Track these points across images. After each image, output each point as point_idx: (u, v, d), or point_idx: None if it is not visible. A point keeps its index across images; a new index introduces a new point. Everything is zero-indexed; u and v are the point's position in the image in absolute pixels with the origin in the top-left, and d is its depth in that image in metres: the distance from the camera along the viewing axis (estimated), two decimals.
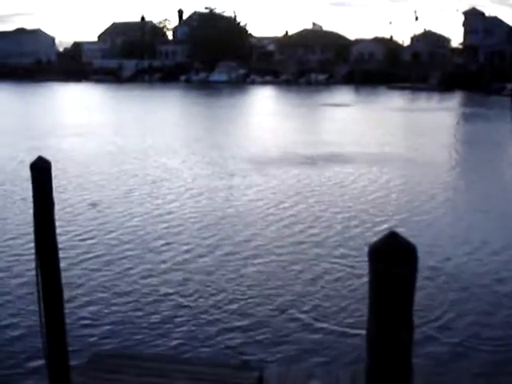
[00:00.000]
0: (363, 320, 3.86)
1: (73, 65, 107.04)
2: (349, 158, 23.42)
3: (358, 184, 18.50)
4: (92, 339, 8.35)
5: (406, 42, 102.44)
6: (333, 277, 10.71)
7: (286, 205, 15.96)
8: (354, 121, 39.03)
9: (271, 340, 8.32)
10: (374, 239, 3.13)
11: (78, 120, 39.61)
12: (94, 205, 15.78)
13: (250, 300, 9.67)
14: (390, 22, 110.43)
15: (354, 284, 10.18)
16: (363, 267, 10.24)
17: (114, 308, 9.40)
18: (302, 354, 7.89)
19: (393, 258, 3.05)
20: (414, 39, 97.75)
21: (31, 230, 6.41)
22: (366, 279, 3.38)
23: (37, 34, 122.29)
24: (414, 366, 3.30)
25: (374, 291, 3.15)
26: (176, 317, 9.07)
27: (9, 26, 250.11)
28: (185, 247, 12.39)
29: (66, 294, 7.11)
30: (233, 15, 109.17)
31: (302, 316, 9.09)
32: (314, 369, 6.89)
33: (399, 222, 14.13)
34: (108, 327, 8.74)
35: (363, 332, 3.42)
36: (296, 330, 8.63)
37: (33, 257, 6.38)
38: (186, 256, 11.85)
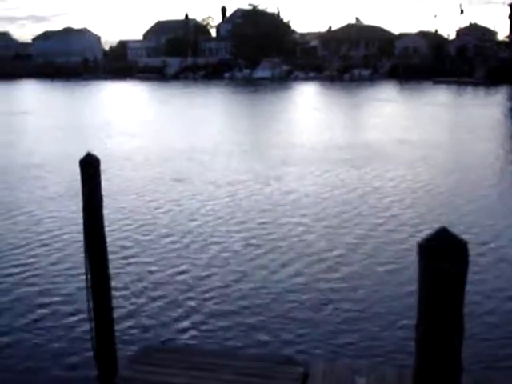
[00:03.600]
0: (411, 318, 3.81)
1: (118, 63, 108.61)
2: (396, 155, 23.15)
3: (407, 183, 18.20)
4: (139, 332, 8.47)
5: (452, 35, 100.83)
6: (382, 273, 10.61)
7: (336, 202, 15.90)
8: (399, 117, 38.52)
9: (317, 335, 8.30)
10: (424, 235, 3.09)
11: (126, 117, 40.20)
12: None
13: (295, 295, 9.66)
14: (435, 16, 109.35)
15: (404, 281, 10.06)
16: (414, 264, 10.13)
17: (161, 302, 9.51)
18: (347, 350, 7.85)
19: (443, 255, 3.01)
20: (460, 33, 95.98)
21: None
22: (415, 276, 3.33)
23: (83, 33, 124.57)
24: (463, 365, 3.24)
25: (424, 289, 3.12)
26: (222, 312, 9.13)
27: (56, 26, 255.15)
28: (235, 244, 12.44)
29: (115, 287, 7.24)
30: (276, 11, 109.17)
31: (349, 312, 9.04)
32: (360, 364, 6.84)
33: (452, 219, 13.84)
34: (155, 321, 8.85)
35: (411, 330, 3.38)
36: (342, 325, 8.59)
37: (82, 250, 6.51)
38: (233, 253, 11.90)
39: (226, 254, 11.72)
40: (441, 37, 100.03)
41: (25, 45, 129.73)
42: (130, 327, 8.61)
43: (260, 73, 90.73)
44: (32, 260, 11.56)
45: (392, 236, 12.77)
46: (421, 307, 3.17)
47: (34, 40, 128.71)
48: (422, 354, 3.19)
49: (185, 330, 8.54)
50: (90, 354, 6.90)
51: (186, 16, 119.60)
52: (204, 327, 8.62)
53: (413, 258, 3.36)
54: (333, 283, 10.18)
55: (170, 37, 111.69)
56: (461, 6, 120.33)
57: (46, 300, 9.64)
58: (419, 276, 3.13)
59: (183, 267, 11.03)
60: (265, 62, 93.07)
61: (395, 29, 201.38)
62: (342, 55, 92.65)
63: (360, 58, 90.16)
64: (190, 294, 9.77)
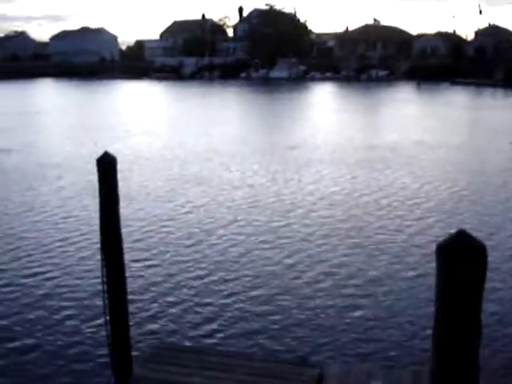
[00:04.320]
0: (428, 320, 3.78)
1: (135, 63, 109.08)
2: (415, 157, 23.03)
3: (427, 185, 18.05)
4: (154, 332, 8.49)
5: (470, 36, 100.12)
6: (401, 276, 10.55)
7: (358, 203, 15.86)
8: (417, 118, 38.31)
9: (333, 337, 8.27)
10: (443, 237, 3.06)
11: (142, 117, 40.36)
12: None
13: (313, 298, 9.64)
14: (453, 16, 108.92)
15: (423, 284, 9.99)
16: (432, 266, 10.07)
17: (176, 302, 9.52)
18: (363, 352, 7.82)
19: (461, 257, 2.98)
20: (478, 33, 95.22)
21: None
22: (433, 278, 3.30)
23: (100, 32, 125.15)
24: (480, 366, 3.21)
25: (441, 291, 3.09)
26: (238, 312, 9.13)
27: (73, 25, 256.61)
28: (254, 246, 12.43)
29: (130, 286, 7.26)
30: (293, 11, 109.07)
31: (366, 315, 9.00)
32: (375, 367, 6.80)
33: (473, 222, 13.71)
34: (170, 321, 8.87)
35: (427, 332, 3.36)
36: (358, 328, 8.56)
37: (98, 247, 6.54)
38: (252, 256, 11.88)
39: (244, 257, 11.70)
40: (459, 37, 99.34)
41: (42, 44, 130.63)
42: (145, 327, 8.63)
43: (276, 73, 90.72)
44: (49, 260, 11.63)
45: (413, 239, 12.68)
46: (438, 309, 3.15)
47: (51, 39, 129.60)
48: (439, 356, 3.17)
49: (200, 331, 8.54)
50: (106, 353, 6.93)
51: (203, 16, 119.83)
52: (219, 328, 8.62)
53: (433, 261, 3.33)
54: (351, 287, 10.14)
55: (186, 37, 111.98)
56: (479, 6, 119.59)
57: (62, 300, 9.70)
58: (437, 278, 3.11)
59: (200, 269, 11.03)
60: (281, 62, 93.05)
61: (413, 29, 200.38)
62: (358, 55, 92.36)
63: (377, 59, 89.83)
64: (207, 296, 9.77)
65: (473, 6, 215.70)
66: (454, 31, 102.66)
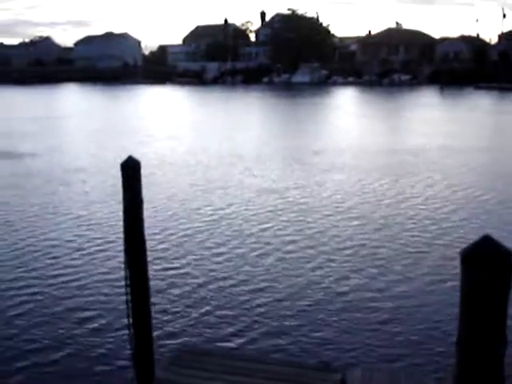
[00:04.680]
0: (452, 325, 3.76)
1: (158, 68, 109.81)
2: (439, 162, 22.86)
3: (452, 189, 17.89)
4: (177, 335, 8.53)
5: (494, 40, 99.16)
6: (426, 281, 10.47)
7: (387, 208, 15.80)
8: (441, 123, 37.99)
9: (356, 342, 8.23)
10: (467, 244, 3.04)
11: (166, 121, 40.62)
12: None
13: (336, 301, 9.61)
14: (477, 20, 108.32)
15: (448, 290, 9.91)
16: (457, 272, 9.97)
17: (198, 305, 9.56)
18: (386, 358, 7.77)
19: (486, 264, 2.96)
20: (502, 37, 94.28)
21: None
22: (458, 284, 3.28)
23: (124, 37, 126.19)
24: (505, 375, 3.18)
25: (466, 297, 3.07)
26: (260, 316, 9.13)
27: (97, 31, 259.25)
28: (276, 250, 12.44)
29: (153, 289, 7.30)
30: (315, 16, 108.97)
31: (390, 319, 8.95)
32: (398, 373, 6.76)
33: (498, 227, 13.55)
34: (192, 324, 8.89)
35: (452, 339, 3.33)
36: (382, 333, 8.51)
37: (122, 250, 6.59)
38: (275, 259, 11.89)
39: (266, 260, 11.71)
40: (483, 41, 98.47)
41: (66, 49, 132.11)
42: (168, 330, 8.67)
43: (298, 77, 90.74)
44: (72, 262, 11.74)
45: (438, 243, 12.58)
46: (462, 315, 3.12)
47: (75, 45, 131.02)
48: (462, 364, 3.14)
49: (222, 334, 8.56)
50: (128, 355, 6.97)
51: (226, 21, 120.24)
52: (241, 332, 8.63)
53: (458, 266, 3.31)
54: (374, 291, 10.09)
55: (209, 41, 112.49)
56: (503, 10, 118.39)
57: (86, 302, 9.78)
58: (461, 284, 3.09)
59: (222, 272, 11.06)
60: (303, 67, 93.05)
61: (436, 33, 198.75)
62: (381, 60, 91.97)
63: (400, 63, 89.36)
64: (230, 300, 9.79)
65: (496, 9, 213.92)
66: (478, 35, 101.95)
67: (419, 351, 7.95)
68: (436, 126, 35.52)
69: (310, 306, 9.50)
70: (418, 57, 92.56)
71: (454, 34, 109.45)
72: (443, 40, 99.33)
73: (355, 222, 14.34)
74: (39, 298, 9.93)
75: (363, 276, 10.78)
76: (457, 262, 3.24)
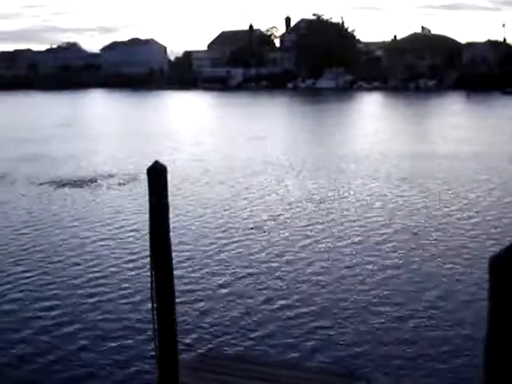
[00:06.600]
0: (480, 333, 3.72)
1: (183, 73, 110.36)
2: (469, 169, 22.56)
3: (482, 197, 17.66)
4: (201, 340, 8.55)
5: None
6: (452, 288, 10.39)
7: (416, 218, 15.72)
8: (468, 128, 37.51)
9: (379, 349, 8.17)
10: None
11: (192, 127, 40.90)
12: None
13: (364, 309, 9.57)
14: (504, 25, 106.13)
15: (474, 296, 9.81)
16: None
17: (223, 311, 9.58)
18: (410, 365, 7.70)
19: None
20: None
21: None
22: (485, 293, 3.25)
23: (150, 43, 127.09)
24: None
25: (494, 305, 3.04)
26: (285, 323, 9.12)
27: (123, 36, 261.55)
28: (305, 258, 12.42)
29: (178, 295, 7.33)
30: (340, 21, 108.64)
31: (416, 328, 8.88)
32: (424, 381, 6.70)
33: None
34: (217, 329, 8.91)
35: (479, 348, 3.30)
36: (406, 340, 8.44)
37: (148, 255, 6.63)
38: (304, 266, 11.85)
39: (293, 268, 11.69)
40: (509, 46, 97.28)
41: (93, 55, 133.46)
42: (193, 335, 8.69)
43: (323, 83, 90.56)
44: (98, 267, 11.87)
45: (464, 252, 12.46)
46: (490, 324, 3.09)
47: (102, 50, 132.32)
48: (490, 374, 3.11)
49: (247, 339, 8.56)
50: (153, 360, 7.00)
51: (251, 26, 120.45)
52: (266, 337, 8.62)
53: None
54: (401, 297, 10.04)
55: (234, 47, 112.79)
56: None
57: (112, 306, 9.87)
58: (489, 292, 3.06)
59: (248, 278, 11.06)
60: (328, 72, 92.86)
61: (462, 38, 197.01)
62: (406, 65, 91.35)
63: (425, 68, 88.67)
64: (255, 306, 9.79)
65: None
66: (504, 40, 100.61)
67: (445, 359, 7.86)
68: (465, 132, 35.00)
69: (336, 313, 9.46)
70: (443, 62, 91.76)
71: (480, 39, 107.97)
72: (469, 45, 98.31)
73: (384, 231, 14.22)
74: (63, 303, 10.04)
75: (390, 282, 10.72)
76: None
